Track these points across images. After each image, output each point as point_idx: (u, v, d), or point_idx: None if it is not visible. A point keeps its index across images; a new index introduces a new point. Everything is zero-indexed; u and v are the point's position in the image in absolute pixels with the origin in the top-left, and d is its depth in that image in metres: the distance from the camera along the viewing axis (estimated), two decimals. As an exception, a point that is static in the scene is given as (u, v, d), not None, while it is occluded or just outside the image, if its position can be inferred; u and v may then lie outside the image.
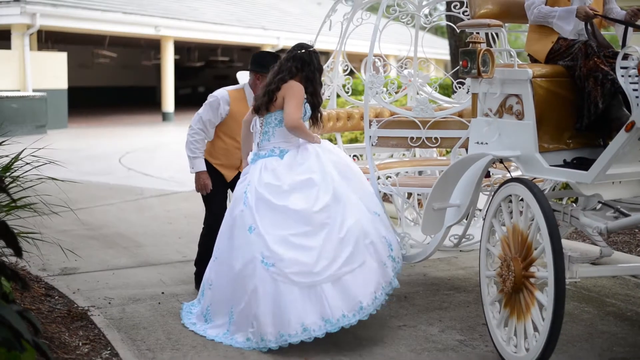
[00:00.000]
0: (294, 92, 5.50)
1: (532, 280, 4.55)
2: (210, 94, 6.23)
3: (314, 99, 5.64)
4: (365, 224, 5.36)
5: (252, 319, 5.10)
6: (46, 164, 5.82)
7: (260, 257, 5.18)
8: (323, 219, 5.24)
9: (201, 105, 6.23)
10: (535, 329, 4.47)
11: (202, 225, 6.51)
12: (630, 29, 4.90)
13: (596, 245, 5.20)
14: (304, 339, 5.01)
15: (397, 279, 5.46)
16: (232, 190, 6.32)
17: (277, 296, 5.08)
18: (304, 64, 5.59)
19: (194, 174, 6.29)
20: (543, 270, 4.45)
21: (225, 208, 6.29)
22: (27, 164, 5.78)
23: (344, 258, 5.18)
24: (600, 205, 5.22)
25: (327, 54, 6.67)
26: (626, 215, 4.87)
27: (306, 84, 5.59)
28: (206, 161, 6.29)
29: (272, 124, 5.57)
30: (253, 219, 5.30)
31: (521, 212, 4.67)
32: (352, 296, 5.14)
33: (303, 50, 5.63)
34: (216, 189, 6.32)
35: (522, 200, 4.65)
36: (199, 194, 6.41)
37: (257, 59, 6.20)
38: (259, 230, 5.25)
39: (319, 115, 5.72)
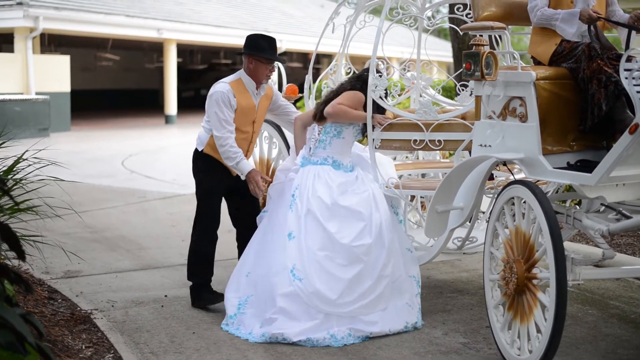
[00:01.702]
0: (350, 95, 5.81)
1: (534, 281, 4.54)
2: (213, 92, 5.88)
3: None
4: (398, 267, 5.57)
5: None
6: (48, 165, 5.83)
7: (291, 267, 5.35)
8: (361, 254, 5.38)
9: (203, 108, 6.11)
10: (539, 330, 4.46)
11: (194, 231, 6.07)
12: (633, 33, 4.90)
13: (599, 247, 5.19)
14: (303, 344, 5.17)
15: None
16: (234, 189, 6.08)
17: (293, 304, 5.27)
18: (365, 85, 5.86)
19: (246, 178, 5.86)
20: (545, 271, 4.45)
21: (219, 211, 6.05)
22: (30, 165, 5.78)
23: (367, 301, 5.35)
24: (603, 207, 5.22)
25: (330, 57, 6.66)
26: (628, 218, 4.86)
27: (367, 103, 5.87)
28: (211, 157, 5.93)
29: (331, 134, 5.78)
30: (298, 227, 5.47)
31: (523, 214, 4.66)
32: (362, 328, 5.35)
33: (367, 74, 5.90)
34: (218, 188, 6.01)
35: (524, 202, 4.65)
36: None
37: (252, 42, 5.99)
38: (300, 242, 5.42)
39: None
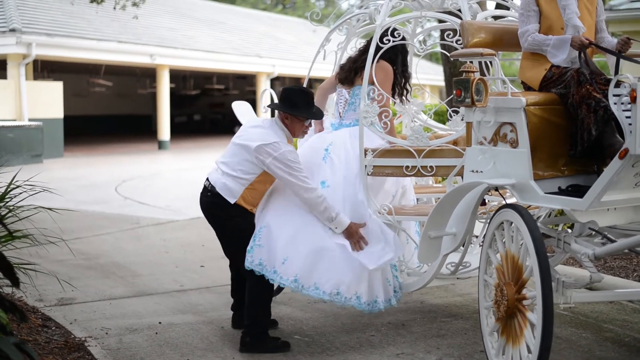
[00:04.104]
0: (385, 74, 6.11)
1: (524, 302, 4.56)
2: (282, 152, 5.54)
3: (401, 77, 6.34)
4: None
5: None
6: (40, 191, 5.83)
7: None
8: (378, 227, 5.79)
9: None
10: (530, 351, 4.47)
11: (261, 279, 5.56)
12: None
13: (588, 270, 5.22)
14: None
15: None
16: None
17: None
18: (395, 54, 6.26)
19: (345, 233, 5.64)
20: (534, 290, 4.47)
21: None
22: (23, 192, 5.79)
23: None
24: (593, 231, 5.25)
25: (322, 81, 6.71)
26: (613, 242, 4.91)
27: (391, 64, 6.23)
28: (244, 208, 5.69)
29: (360, 96, 6.03)
30: (333, 178, 5.82)
31: (512, 237, 4.69)
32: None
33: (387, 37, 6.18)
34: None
35: (512, 225, 4.67)
36: (195, 223, 6.12)
37: (286, 98, 5.78)
38: (335, 192, 5.77)
39: (407, 91, 6.48)
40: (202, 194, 5.83)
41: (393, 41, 6.09)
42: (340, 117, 6.21)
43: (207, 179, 5.78)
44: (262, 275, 5.53)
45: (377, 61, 6.03)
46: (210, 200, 5.72)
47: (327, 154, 5.92)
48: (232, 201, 5.64)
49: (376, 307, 5.65)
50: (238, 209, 5.68)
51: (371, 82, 6.01)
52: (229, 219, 5.69)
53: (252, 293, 5.61)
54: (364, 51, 6.27)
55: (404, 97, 6.55)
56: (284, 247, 5.51)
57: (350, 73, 6.24)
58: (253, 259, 5.52)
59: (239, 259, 5.69)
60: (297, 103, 5.75)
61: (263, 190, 5.76)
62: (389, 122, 6.05)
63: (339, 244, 5.56)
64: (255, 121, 5.99)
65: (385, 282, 5.76)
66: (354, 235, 5.63)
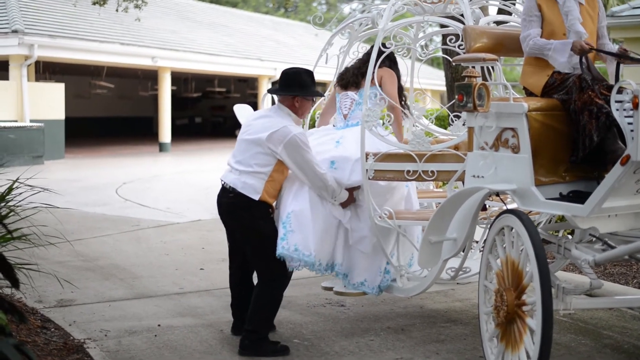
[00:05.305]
0: (393, 78, 6.39)
1: (524, 308, 4.56)
2: (294, 135, 5.53)
3: (400, 91, 6.55)
4: None
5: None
6: (40, 191, 5.82)
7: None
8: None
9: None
10: (529, 356, 4.46)
11: (271, 282, 5.62)
12: (622, 64, 4.96)
13: (587, 277, 5.22)
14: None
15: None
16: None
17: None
18: (392, 62, 6.50)
19: (343, 203, 5.90)
20: (533, 296, 4.46)
21: None
22: (23, 192, 5.78)
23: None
24: (593, 238, 5.25)
25: (324, 85, 6.73)
26: (613, 248, 4.90)
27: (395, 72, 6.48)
28: (266, 203, 5.62)
29: (369, 97, 6.18)
30: (343, 162, 5.94)
31: (513, 243, 4.68)
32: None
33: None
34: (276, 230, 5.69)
35: (513, 230, 4.67)
36: (195, 225, 6.12)
37: (296, 79, 5.73)
38: (343, 173, 5.90)
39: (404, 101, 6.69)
40: (221, 195, 5.76)
41: (395, 45, 6.11)
42: (345, 119, 6.32)
43: (224, 181, 5.72)
44: (274, 284, 5.60)
45: (380, 66, 6.19)
46: (233, 201, 5.63)
47: (338, 145, 6.08)
48: (256, 198, 5.55)
49: (361, 288, 6.06)
50: (262, 209, 5.60)
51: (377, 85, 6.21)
52: (253, 221, 5.59)
53: (259, 299, 5.59)
54: (366, 60, 6.34)
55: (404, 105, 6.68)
56: (314, 231, 5.65)
57: (356, 77, 6.39)
58: (289, 246, 5.53)
59: (254, 263, 5.74)
60: (306, 83, 5.77)
61: (282, 179, 5.71)
62: (395, 122, 6.36)
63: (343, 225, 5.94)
64: (257, 113, 6.01)
65: (377, 271, 6.06)
66: (349, 204, 5.98)
